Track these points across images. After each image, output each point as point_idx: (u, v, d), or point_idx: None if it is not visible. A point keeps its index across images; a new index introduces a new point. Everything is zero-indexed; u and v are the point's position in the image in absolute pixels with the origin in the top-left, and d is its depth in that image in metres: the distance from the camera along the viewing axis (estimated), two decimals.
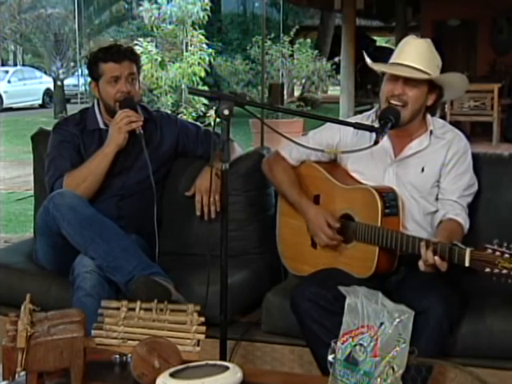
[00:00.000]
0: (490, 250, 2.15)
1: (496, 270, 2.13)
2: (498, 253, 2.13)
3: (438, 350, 2.34)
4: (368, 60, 2.68)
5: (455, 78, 2.66)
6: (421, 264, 2.32)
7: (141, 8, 12.49)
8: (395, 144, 2.66)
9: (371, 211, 2.52)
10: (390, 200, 2.54)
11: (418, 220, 2.62)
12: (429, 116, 2.68)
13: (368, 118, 2.72)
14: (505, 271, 2.11)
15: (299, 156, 2.83)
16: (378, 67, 2.63)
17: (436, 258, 2.27)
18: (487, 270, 2.14)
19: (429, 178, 2.63)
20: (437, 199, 2.64)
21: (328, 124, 2.79)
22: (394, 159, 2.65)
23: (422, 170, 2.63)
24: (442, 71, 2.62)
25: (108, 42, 14.39)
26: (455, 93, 2.78)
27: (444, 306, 2.35)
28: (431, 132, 2.65)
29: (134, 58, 3.02)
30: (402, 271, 2.57)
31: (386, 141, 2.59)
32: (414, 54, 2.57)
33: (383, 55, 2.69)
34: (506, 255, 2.12)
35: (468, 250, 2.20)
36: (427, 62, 2.57)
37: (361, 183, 2.67)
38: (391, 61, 2.63)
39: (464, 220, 2.59)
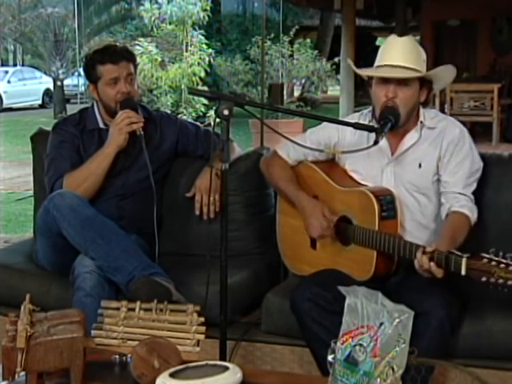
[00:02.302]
0: (486, 260, 2.14)
1: (492, 280, 2.12)
2: (494, 262, 2.12)
3: (440, 351, 2.33)
4: (353, 66, 2.67)
5: (445, 70, 2.65)
6: (416, 266, 2.32)
7: (141, 8, 12.50)
8: (391, 143, 2.65)
9: (368, 215, 2.52)
10: (387, 203, 2.52)
11: (418, 219, 2.61)
12: (421, 109, 2.65)
13: (365, 116, 2.71)
14: (501, 281, 2.11)
15: (297, 156, 2.82)
16: (366, 73, 2.61)
17: (432, 264, 2.27)
18: (483, 279, 2.14)
19: (427, 174, 2.61)
20: (439, 194, 2.61)
21: (325, 123, 2.77)
22: (390, 158, 2.64)
23: (420, 166, 2.61)
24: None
25: (107, 41, 14.39)
26: (443, 84, 2.76)
27: (445, 308, 2.34)
28: (421, 123, 2.63)
29: (130, 57, 3.01)
30: (400, 273, 2.56)
31: (382, 141, 2.58)
32: (401, 53, 2.54)
33: None
34: (502, 265, 2.11)
35: (464, 259, 2.19)
36: (415, 59, 2.55)
37: (359, 184, 2.67)
38: (377, 63, 2.60)
39: (470, 210, 2.54)
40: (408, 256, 2.37)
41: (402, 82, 2.53)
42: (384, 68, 2.56)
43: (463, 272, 2.19)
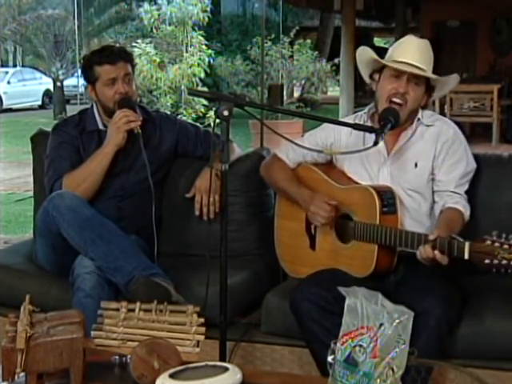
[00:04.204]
0: (489, 242, 2.15)
1: (495, 261, 2.13)
2: (497, 244, 2.14)
3: (437, 351, 2.34)
4: (374, 55, 2.65)
5: (452, 79, 2.68)
6: (419, 257, 2.33)
7: (141, 9, 12.49)
8: (387, 142, 2.66)
9: (369, 210, 2.53)
10: (387, 198, 2.54)
11: (415, 217, 2.62)
12: (419, 109, 2.67)
13: (360, 118, 2.72)
14: (504, 262, 2.12)
15: (296, 157, 2.83)
16: (385, 62, 2.60)
17: (436, 252, 2.28)
18: (487, 261, 2.14)
19: (423, 173, 2.62)
20: (433, 192, 2.64)
21: (323, 125, 2.80)
22: (387, 157, 2.65)
23: (416, 165, 2.63)
24: (439, 71, 2.62)
25: (107, 42, 14.41)
26: (443, 92, 2.78)
27: (443, 308, 2.35)
28: (418, 120, 2.64)
29: (127, 57, 3.01)
30: (400, 271, 2.57)
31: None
32: (418, 53, 2.57)
33: (380, 56, 2.68)
34: (505, 246, 2.12)
35: (467, 243, 2.21)
36: (428, 62, 2.59)
37: (357, 183, 2.68)
38: (393, 58, 2.60)
39: (464, 207, 2.57)
40: (410, 246, 2.38)
41: (413, 81, 2.55)
42: (397, 64, 2.57)
43: (466, 256, 2.20)
